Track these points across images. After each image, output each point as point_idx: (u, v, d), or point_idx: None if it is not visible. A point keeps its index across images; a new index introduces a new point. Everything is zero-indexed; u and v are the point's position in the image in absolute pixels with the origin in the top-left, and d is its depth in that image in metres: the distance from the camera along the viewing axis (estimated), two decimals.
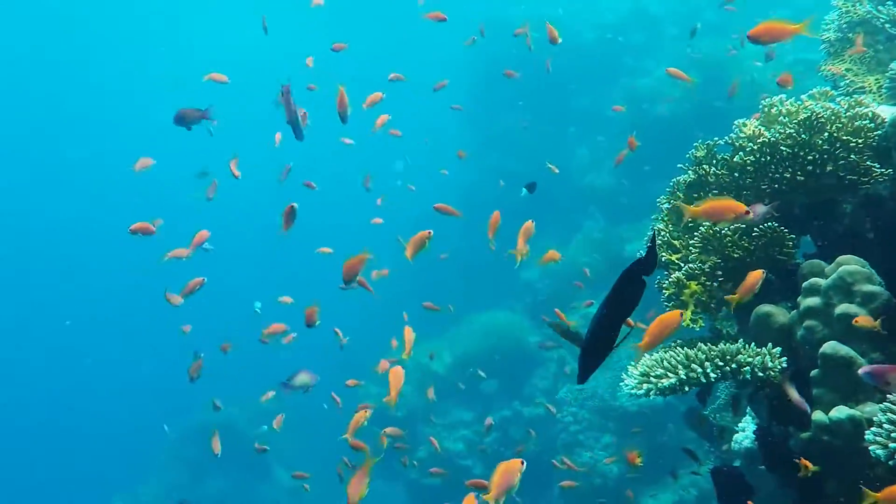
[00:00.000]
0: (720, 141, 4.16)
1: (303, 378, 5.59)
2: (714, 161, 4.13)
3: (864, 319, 3.29)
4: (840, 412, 3.27)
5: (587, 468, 11.35)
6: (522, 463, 3.30)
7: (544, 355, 13.22)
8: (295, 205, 4.92)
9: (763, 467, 4.20)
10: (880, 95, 4.92)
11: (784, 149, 3.73)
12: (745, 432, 4.80)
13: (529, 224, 5.00)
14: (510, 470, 3.31)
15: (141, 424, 18.95)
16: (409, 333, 5.17)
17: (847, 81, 5.19)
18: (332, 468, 7.79)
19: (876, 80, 5.19)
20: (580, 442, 11.71)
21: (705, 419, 5.45)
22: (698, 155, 4.18)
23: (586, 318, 12.29)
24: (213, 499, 16.13)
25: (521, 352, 13.48)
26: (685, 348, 3.70)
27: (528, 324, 13.93)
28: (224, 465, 15.85)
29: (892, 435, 2.85)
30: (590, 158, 15.19)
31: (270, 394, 8.05)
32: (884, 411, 2.97)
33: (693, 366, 3.56)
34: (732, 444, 4.88)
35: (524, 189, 8.87)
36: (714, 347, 3.62)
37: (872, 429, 2.96)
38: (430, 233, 4.25)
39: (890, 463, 2.84)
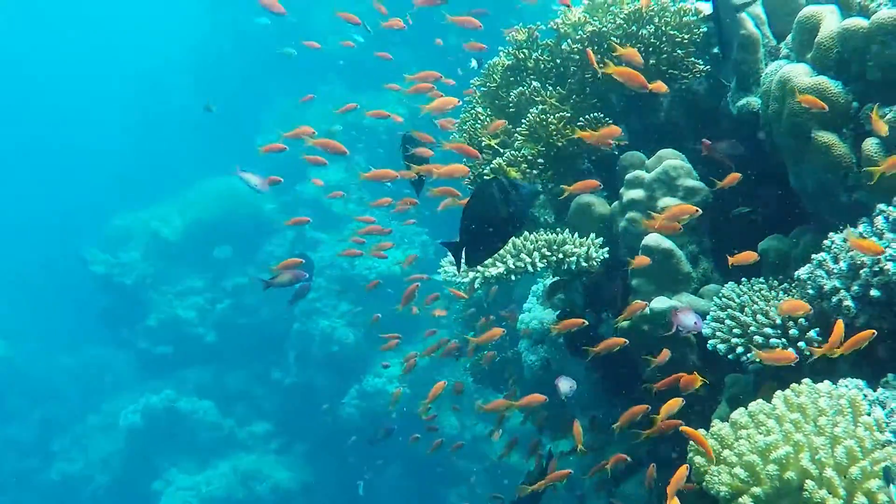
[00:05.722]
0: (542, 26, 4.09)
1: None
2: (536, 46, 4.06)
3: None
4: (661, 303, 3.40)
5: (324, 336, 11.44)
6: None
7: (280, 222, 13.00)
8: None
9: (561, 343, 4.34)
10: None
11: (613, 39, 3.72)
12: (532, 313, 4.93)
13: None
14: None
15: None
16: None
17: None
18: None
19: None
20: (318, 310, 11.68)
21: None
22: (518, 38, 4.09)
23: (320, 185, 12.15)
24: None
25: (257, 218, 13.14)
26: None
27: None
28: None
29: (735, 331, 2.98)
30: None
31: None
32: (722, 308, 3.10)
33: (522, 255, 3.56)
34: (518, 324, 5.01)
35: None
36: (539, 237, 3.63)
37: (711, 323, 3.09)
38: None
39: (730, 357, 2.98)
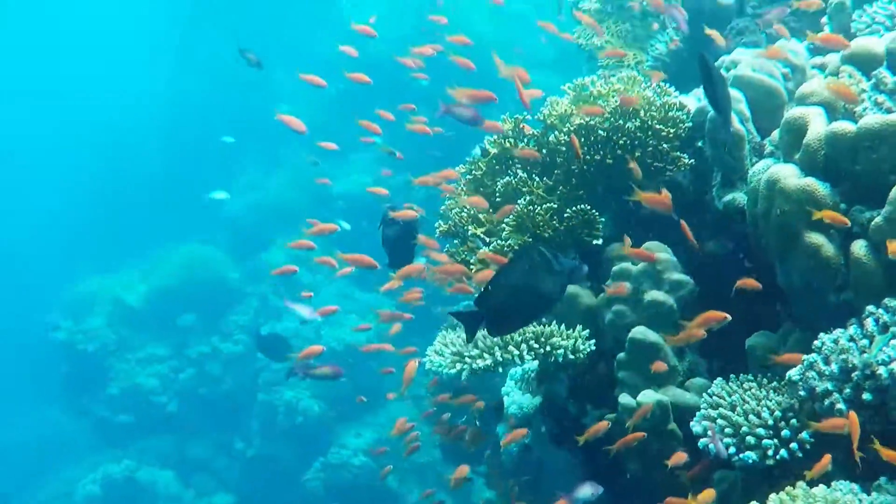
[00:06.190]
0: (529, 116, 4.13)
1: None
2: (522, 137, 4.10)
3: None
4: (648, 396, 3.40)
5: (289, 407, 11.29)
6: None
7: (244, 290, 12.92)
8: None
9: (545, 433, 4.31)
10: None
11: (601, 132, 3.77)
12: (511, 398, 4.90)
13: None
14: None
15: None
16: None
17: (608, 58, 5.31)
18: None
19: (634, 54, 5.40)
20: (283, 380, 11.52)
21: None
22: (505, 128, 4.12)
23: (288, 252, 12.05)
24: None
25: (221, 286, 13.03)
26: None
27: (229, 258, 13.46)
28: None
29: (727, 430, 2.99)
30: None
31: None
32: (713, 406, 3.10)
33: (510, 347, 3.56)
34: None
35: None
36: (527, 328, 3.62)
37: (702, 421, 3.09)
38: None
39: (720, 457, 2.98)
